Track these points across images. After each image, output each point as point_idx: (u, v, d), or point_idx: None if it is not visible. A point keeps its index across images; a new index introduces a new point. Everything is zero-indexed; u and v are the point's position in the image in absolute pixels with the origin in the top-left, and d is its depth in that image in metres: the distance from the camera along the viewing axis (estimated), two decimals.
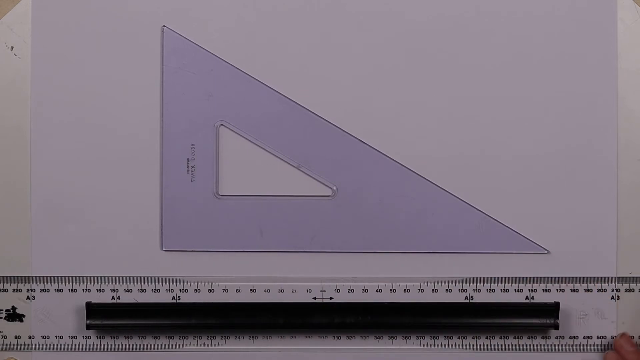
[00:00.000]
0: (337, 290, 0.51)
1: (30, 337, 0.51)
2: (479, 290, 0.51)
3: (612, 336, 0.51)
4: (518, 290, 0.51)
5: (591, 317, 0.51)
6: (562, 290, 0.51)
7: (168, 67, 0.51)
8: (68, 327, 0.51)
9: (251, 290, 0.51)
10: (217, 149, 0.51)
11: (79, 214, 0.51)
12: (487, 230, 0.51)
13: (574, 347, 0.51)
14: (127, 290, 0.51)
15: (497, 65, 0.50)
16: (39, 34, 0.51)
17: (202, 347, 0.52)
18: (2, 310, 0.51)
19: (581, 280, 0.51)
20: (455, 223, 0.51)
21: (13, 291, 0.51)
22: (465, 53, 0.50)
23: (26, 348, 0.51)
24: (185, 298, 0.51)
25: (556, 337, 0.51)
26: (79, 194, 0.51)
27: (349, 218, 0.51)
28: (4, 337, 0.51)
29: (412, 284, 0.51)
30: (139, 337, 0.51)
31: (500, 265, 0.51)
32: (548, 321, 0.50)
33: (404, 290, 0.51)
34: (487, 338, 0.51)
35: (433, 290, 0.51)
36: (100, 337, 0.51)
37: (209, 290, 0.51)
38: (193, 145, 0.51)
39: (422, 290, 0.51)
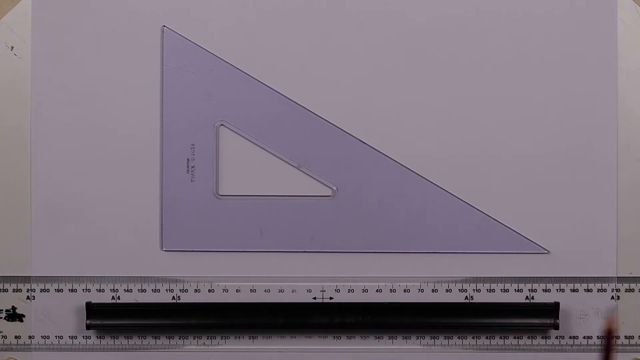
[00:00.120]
0: (337, 290, 0.51)
1: (30, 337, 0.51)
2: (479, 290, 0.51)
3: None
4: (518, 290, 0.51)
5: (591, 317, 0.51)
6: (562, 290, 0.51)
7: (168, 67, 0.51)
8: (68, 327, 0.51)
9: (251, 290, 0.51)
10: (217, 149, 0.51)
11: (79, 214, 0.51)
12: (487, 230, 0.51)
13: (574, 347, 0.51)
14: (127, 290, 0.51)
15: (497, 65, 0.50)
16: (39, 34, 0.51)
17: (202, 347, 0.52)
18: (2, 310, 0.51)
19: (581, 280, 0.51)
20: (455, 223, 0.51)
21: (13, 291, 0.51)
22: (465, 53, 0.50)
23: (26, 348, 0.51)
24: (185, 298, 0.51)
25: (556, 337, 0.51)
26: (79, 194, 0.51)
27: (349, 218, 0.51)
28: (4, 337, 0.51)
29: (412, 284, 0.51)
30: (139, 337, 0.51)
31: (500, 265, 0.51)
32: (548, 321, 0.50)
33: (404, 290, 0.51)
34: (487, 338, 0.51)
35: (433, 290, 0.51)
36: (100, 337, 0.51)
37: (209, 290, 0.51)
38: (193, 145, 0.51)
39: (422, 290, 0.51)
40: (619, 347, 0.51)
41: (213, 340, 0.52)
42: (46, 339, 0.51)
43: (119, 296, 0.51)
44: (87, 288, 0.51)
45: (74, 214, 0.51)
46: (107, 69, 0.50)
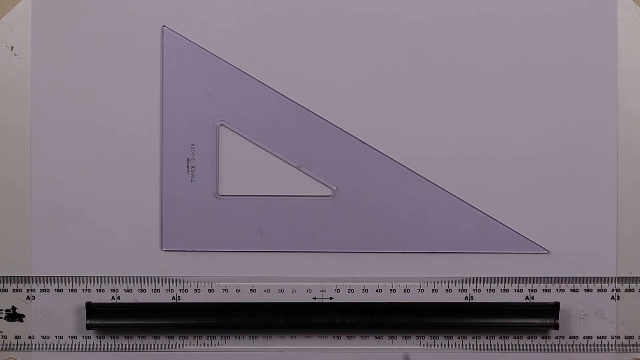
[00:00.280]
0: (337, 290, 0.51)
1: (30, 337, 0.51)
2: (479, 290, 0.51)
3: (612, 336, 0.51)
4: (518, 290, 0.51)
5: (591, 317, 0.51)
6: (562, 290, 0.51)
7: (168, 67, 0.51)
8: (68, 327, 0.51)
9: (251, 290, 0.51)
10: (217, 149, 0.51)
11: (79, 214, 0.51)
12: (487, 230, 0.51)
13: (574, 347, 0.51)
14: (127, 290, 0.51)
15: (497, 65, 0.50)
16: (39, 34, 0.51)
17: (202, 347, 0.52)
18: (2, 310, 0.51)
19: (581, 280, 0.51)
20: (455, 223, 0.51)
21: (13, 291, 0.51)
22: (465, 53, 0.50)
23: (26, 348, 0.51)
24: (185, 298, 0.51)
25: (556, 337, 0.51)
26: (79, 194, 0.51)
27: (349, 218, 0.51)
28: (4, 337, 0.51)
29: (412, 284, 0.51)
30: (139, 337, 0.51)
31: (500, 265, 0.51)
32: (548, 321, 0.50)
33: (404, 290, 0.51)
34: (487, 338, 0.51)
35: (433, 290, 0.51)
36: (100, 337, 0.51)
37: (209, 290, 0.51)
38: (193, 145, 0.51)
39: (422, 290, 0.51)
40: (619, 347, 0.51)
41: (213, 340, 0.52)
42: (46, 339, 0.51)
43: (119, 296, 0.51)
44: (87, 288, 0.51)
45: (74, 214, 0.51)
46: (107, 69, 0.50)
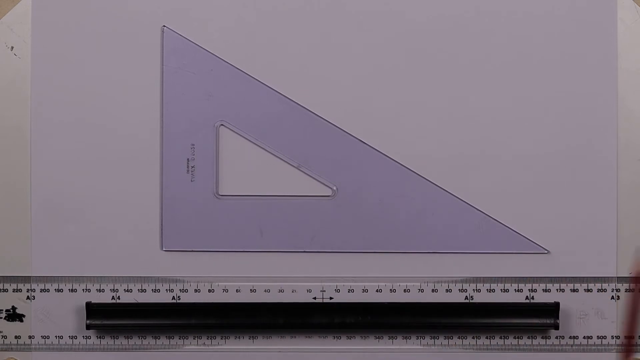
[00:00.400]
0: (337, 290, 0.51)
1: (30, 337, 0.51)
2: (479, 290, 0.51)
3: (612, 336, 0.51)
4: (518, 290, 0.51)
5: (591, 317, 0.51)
6: (562, 290, 0.51)
7: (168, 67, 0.51)
8: (68, 327, 0.51)
9: (251, 290, 0.51)
10: (217, 149, 0.51)
11: (79, 214, 0.51)
12: (487, 230, 0.51)
13: (574, 347, 0.51)
14: (127, 290, 0.51)
15: (497, 65, 0.50)
16: (39, 34, 0.51)
17: (202, 347, 0.52)
18: (2, 310, 0.51)
19: (581, 280, 0.51)
20: (455, 223, 0.51)
21: (13, 291, 0.51)
22: (465, 53, 0.50)
23: (26, 348, 0.51)
24: (185, 298, 0.51)
25: (556, 337, 0.51)
26: (79, 194, 0.51)
27: (349, 218, 0.51)
28: (4, 337, 0.51)
29: (412, 284, 0.51)
30: (139, 337, 0.51)
31: (500, 265, 0.51)
32: (548, 321, 0.50)
33: (404, 290, 0.51)
34: (487, 338, 0.51)
35: (433, 290, 0.51)
36: (100, 337, 0.51)
37: (209, 290, 0.51)
38: (193, 145, 0.51)
39: (422, 290, 0.51)
40: (619, 347, 0.51)
41: (213, 340, 0.52)
42: (46, 339, 0.51)
43: (119, 296, 0.51)
44: (87, 288, 0.51)
45: (74, 214, 0.51)
46: (107, 69, 0.50)
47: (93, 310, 0.50)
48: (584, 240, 0.51)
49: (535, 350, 0.51)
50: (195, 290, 0.51)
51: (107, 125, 0.51)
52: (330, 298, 0.51)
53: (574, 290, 0.51)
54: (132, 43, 0.51)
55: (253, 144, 0.51)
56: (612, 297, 0.51)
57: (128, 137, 0.51)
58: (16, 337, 0.51)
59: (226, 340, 0.52)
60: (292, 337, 0.51)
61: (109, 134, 0.51)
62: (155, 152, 0.51)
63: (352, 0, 0.50)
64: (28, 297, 0.51)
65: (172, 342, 0.51)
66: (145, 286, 0.51)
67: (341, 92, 0.51)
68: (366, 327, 0.50)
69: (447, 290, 0.51)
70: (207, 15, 0.51)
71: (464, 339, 0.51)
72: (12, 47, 0.51)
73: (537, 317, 0.50)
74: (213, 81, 0.51)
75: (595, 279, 0.51)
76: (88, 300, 0.51)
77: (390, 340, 0.51)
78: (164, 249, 0.51)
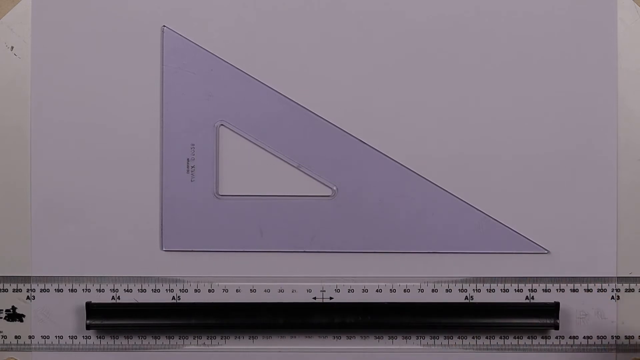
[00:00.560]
0: (337, 290, 0.51)
1: (30, 337, 0.51)
2: (479, 290, 0.51)
3: (612, 336, 0.51)
4: (518, 290, 0.51)
5: (591, 317, 0.51)
6: (562, 290, 0.51)
7: (168, 67, 0.51)
8: (68, 327, 0.51)
9: (251, 290, 0.51)
10: (217, 149, 0.51)
11: (79, 214, 0.51)
12: (487, 230, 0.51)
13: (574, 347, 0.51)
14: (127, 290, 0.51)
15: (497, 65, 0.50)
16: (39, 34, 0.51)
17: (202, 347, 0.52)
18: (2, 310, 0.51)
19: (581, 280, 0.51)
20: (455, 223, 0.51)
21: (13, 291, 0.51)
22: (465, 53, 0.50)
23: (26, 348, 0.51)
24: (185, 298, 0.51)
25: (556, 337, 0.51)
26: (79, 194, 0.51)
27: (349, 218, 0.51)
28: (4, 337, 0.51)
29: (412, 284, 0.51)
30: (139, 337, 0.51)
31: (500, 265, 0.51)
32: (548, 321, 0.50)
33: (404, 290, 0.51)
34: (487, 338, 0.51)
35: (433, 290, 0.51)
36: (100, 337, 0.51)
37: (209, 290, 0.51)
38: (193, 145, 0.51)
39: (422, 290, 0.51)
40: (619, 347, 0.51)
41: (213, 340, 0.52)
42: (46, 339, 0.51)
43: (119, 296, 0.51)
44: (87, 288, 0.51)
45: (74, 214, 0.51)
46: (107, 69, 0.50)
47: (93, 310, 0.50)
48: (584, 240, 0.51)
49: (535, 350, 0.51)
50: (195, 290, 0.51)
51: (107, 125, 0.51)
52: (330, 298, 0.51)
53: (574, 290, 0.51)
54: (132, 43, 0.51)
55: (253, 144, 0.51)
56: (612, 297, 0.51)
57: (128, 137, 0.51)
58: (16, 337, 0.51)
59: (226, 340, 0.52)
60: (292, 337, 0.51)
61: (109, 134, 0.51)
62: (155, 152, 0.51)
63: (352, 0, 0.50)
64: (28, 297, 0.51)
65: (172, 342, 0.51)
66: (145, 286, 0.51)
67: (341, 92, 0.51)
68: (366, 327, 0.50)
69: (447, 290, 0.51)
70: (207, 15, 0.51)
71: (464, 339, 0.51)
72: (12, 47, 0.51)
73: (537, 317, 0.50)
74: (213, 81, 0.51)
75: (595, 279, 0.51)
76: (88, 300, 0.51)
77: (390, 340, 0.51)
78: (164, 249, 0.51)
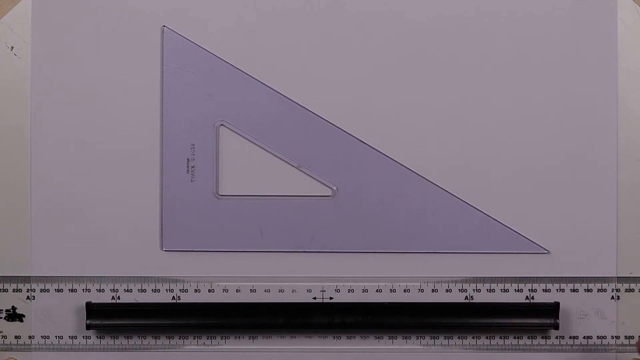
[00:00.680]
0: (337, 290, 0.51)
1: (30, 337, 0.51)
2: (479, 290, 0.51)
3: (612, 336, 0.51)
4: (518, 290, 0.51)
5: (591, 317, 0.51)
6: (562, 290, 0.51)
7: (168, 67, 0.51)
8: (68, 327, 0.51)
9: (251, 290, 0.51)
10: (217, 149, 0.51)
11: (79, 214, 0.51)
12: (487, 230, 0.51)
13: (574, 347, 0.51)
14: (127, 290, 0.51)
15: (497, 65, 0.50)
16: (39, 34, 0.51)
17: (202, 347, 0.52)
18: (2, 310, 0.51)
19: (581, 280, 0.51)
20: (455, 223, 0.51)
21: (13, 291, 0.51)
22: (465, 53, 0.50)
23: (26, 348, 0.51)
24: (185, 298, 0.51)
25: (556, 337, 0.51)
26: (79, 194, 0.51)
27: (349, 218, 0.51)
28: (4, 337, 0.51)
29: (412, 284, 0.51)
30: (139, 337, 0.51)
31: (500, 265, 0.51)
32: (548, 321, 0.50)
33: (404, 290, 0.51)
34: (487, 338, 0.51)
35: (433, 290, 0.51)
36: (100, 337, 0.51)
37: (209, 290, 0.51)
38: (193, 145, 0.51)
39: (422, 290, 0.51)
40: (619, 347, 0.51)
41: (213, 340, 0.52)
42: (46, 339, 0.51)
43: (119, 296, 0.51)
44: (87, 288, 0.51)
45: (74, 214, 0.51)
46: (107, 69, 0.50)
47: (93, 310, 0.50)
48: (584, 240, 0.51)
49: (535, 350, 0.51)
50: (195, 290, 0.51)
51: (107, 125, 0.51)
52: (330, 298, 0.51)
53: (574, 290, 0.51)
54: (132, 43, 0.51)
55: (253, 144, 0.51)
56: (612, 297, 0.51)
57: (128, 137, 0.51)
58: (16, 337, 0.51)
59: (226, 340, 0.52)
60: (292, 337, 0.51)
61: (109, 134, 0.51)
62: (155, 152, 0.51)
63: (352, 0, 0.50)
64: (28, 297, 0.51)
65: (172, 342, 0.51)
66: (145, 286, 0.51)
67: (341, 92, 0.51)
68: (366, 327, 0.50)
69: (447, 290, 0.51)
70: (207, 15, 0.51)
71: (464, 339, 0.51)
72: (12, 47, 0.51)
73: (537, 317, 0.50)
74: (213, 81, 0.51)
75: (595, 279, 0.51)
76: (88, 300, 0.51)
77: (390, 340, 0.51)
78: (164, 249, 0.51)
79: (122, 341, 0.51)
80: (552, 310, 0.50)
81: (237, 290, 0.51)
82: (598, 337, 0.51)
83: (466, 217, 0.51)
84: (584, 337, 0.51)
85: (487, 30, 0.50)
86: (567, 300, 0.51)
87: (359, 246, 0.51)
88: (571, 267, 0.51)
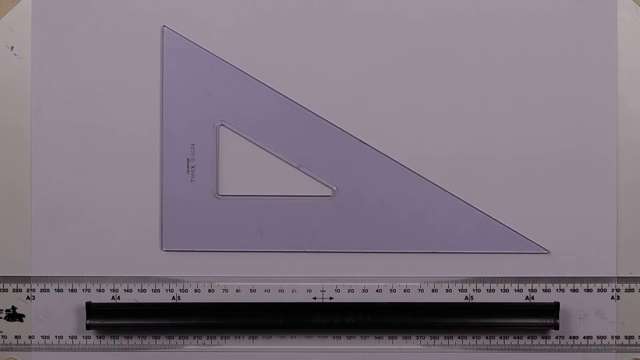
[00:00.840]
0: (337, 290, 0.51)
1: (30, 337, 0.51)
2: (479, 290, 0.51)
3: (612, 336, 0.51)
4: (518, 290, 0.51)
5: (591, 317, 0.51)
6: (562, 290, 0.51)
7: (168, 67, 0.51)
8: (68, 327, 0.51)
9: (251, 290, 0.51)
10: (217, 149, 0.51)
11: (79, 214, 0.51)
12: (487, 230, 0.51)
13: (574, 347, 0.51)
14: (127, 290, 0.51)
15: (497, 65, 0.50)
16: (39, 34, 0.51)
17: (202, 347, 0.52)
18: (2, 310, 0.51)
19: (581, 280, 0.51)
20: (455, 223, 0.51)
21: (13, 291, 0.51)
22: (465, 53, 0.50)
23: (26, 348, 0.51)
24: (185, 298, 0.51)
25: (556, 337, 0.51)
26: (79, 194, 0.51)
27: (349, 218, 0.51)
28: (4, 337, 0.51)
29: (412, 284, 0.51)
30: (139, 337, 0.51)
31: (500, 265, 0.51)
32: (548, 321, 0.50)
33: (404, 290, 0.51)
34: (487, 338, 0.51)
35: (433, 290, 0.51)
36: (100, 337, 0.51)
37: (209, 290, 0.51)
38: (193, 145, 0.51)
39: (422, 290, 0.51)
40: (619, 347, 0.51)
41: (213, 340, 0.52)
42: (46, 339, 0.51)
43: (119, 296, 0.51)
44: (87, 288, 0.51)
45: (74, 214, 0.51)
46: (107, 69, 0.50)
47: (93, 310, 0.50)
48: (584, 240, 0.51)
49: (535, 350, 0.51)
50: (195, 290, 0.51)
51: (107, 125, 0.51)
52: (330, 298, 0.51)
53: (574, 290, 0.51)
54: (132, 43, 0.51)
55: (253, 144, 0.51)
56: (612, 297, 0.51)
57: (128, 137, 0.51)
58: (16, 337, 0.51)
59: (226, 340, 0.52)
60: (292, 337, 0.51)
61: (109, 134, 0.51)
62: (155, 152, 0.51)
63: (352, 0, 0.50)
64: (28, 297, 0.51)
65: (172, 342, 0.51)
66: (145, 286, 0.51)
67: (341, 92, 0.51)
68: (366, 327, 0.50)
69: (447, 290, 0.51)
70: (207, 15, 0.51)
71: (464, 339, 0.51)
72: (12, 47, 0.51)
73: (537, 317, 0.50)
74: (213, 81, 0.51)
75: (595, 279, 0.51)
76: (88, 300, 0.51)
77: (390, 340, 0.51)
78: (164, 249, 0.51)
79: (122, 341, 0.51)
80: (552, 310, 0.50)
81: (237, 290, 0.51)
82: (598, 337, 0.51)
83: (466, 217, 0.51)
84: (584, 337, 0.51)
85: (487, 30, 0.50)
86: (567, 300, 0.51)
87: (359, 246, 0.51)
88: (571, 267, 0.51)
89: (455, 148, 0.51)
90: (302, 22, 0.51)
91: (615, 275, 0.51)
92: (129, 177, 0.51)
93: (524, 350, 0.51)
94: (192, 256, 0.51)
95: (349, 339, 0.52)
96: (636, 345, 0.51)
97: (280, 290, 0.51)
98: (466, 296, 0.51)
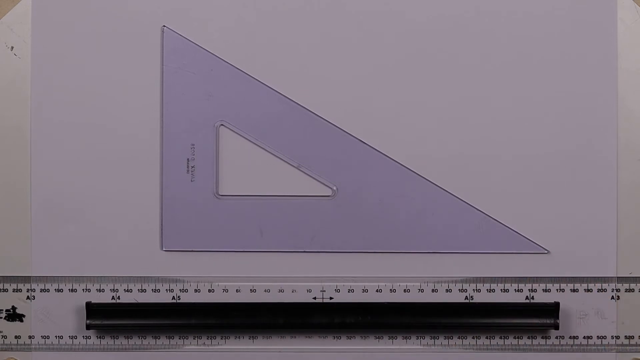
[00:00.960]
0: (337, 290, 0.51)
1: (30, 337, 0.51)
2: (479, 290, 0.51)
3: (612, 336, 0.51)
4: (518, 290, 0.51)
5: (591, 317, 0.51)
6: (562, 290, 0.51)
7: (168, 67, 0.51)
8: (68, 327, 0.51)
9: (251, 290, 0.51)
10: (217, 149, 0.51)
11: (79, 214, 0.51)
12: (487, 230, 0.51)
13: (574, 347, 0.51)
14: (127, 290, 0.51)
15: (497, 65, 0.50)
16: (39, 34, 0.51)
17: (202, 347, 0.52)
18: (2, 310, 0.51)
19: (581, 280, 0.51)
20: (455, 223, 0.51)
21: (13, 291, 0.51)
22: (465, 53, 0.50)
23: (26, 348, 0.51)
24: (185, 298, 0.51)
25: (556, 337, 0.51)
26: (79, 194, 0.51)
27: (349, 218, 0.51)
28: (4, 337, 0.51)
29: (412, 284, 0.51)
30: (139, 337, 0.51)
31: (500, 265, 0.51)
32: (548, 321, 0.50)
33: (404, 290, 0.51)
34: (487, 338, 0.51)
35: (433, 290, 0.51)
36: (100, 337, 0.51)
37: (209, 290, 0.51)
38: (193, 145, 0.51)
39: (422, 290, 0.51)
40: (619, 347, 0.51)
41: (213, 340, 0.52)
42: (46, 339, 0.51)
43: (119, 296, 0.51)
44: (87, 288, 0.51)
45: (74, 214, 0.51)
46: (107, 69, 0.50)
47: (93, 310, 0.50)
48: (584, 240, 0.51)
49: (535, 350, 0.51)
50: (195, 290, 0.51)
51: (107, 125, 0.51)
52: (330, 298, 0.51)
53: (574, 290, 0.51)
54: (132, 43, 0.51)
55: (253, 144, 0.51)
56: (612, 297, 0.51)
57: (128, 137, 0.51)
58: (16, 337, 0.51)
59: (226, 340, 0.52)
60: (292, 337, 0.51)
61: (109, 134, 0.51)
62: (155, 152, 0.51)
63: (352, 0, 0.50)
64: (28, 297, 0.51)
65: (172, 342, 0.51)
66: (145, 286, 0.51)
67: (341, 92, 0.51)
68: (366, 327, 0.50)
69: (447, 290, 0.51)
70: (207, 15, 0.51)
71: (464, 339, 0.51)
72: (12, 47, 0.51)
73: (537, 317, 0.50)
74: (213, 81, 0.51)
75: (595, 279, 0.51)
76: (88, 300, 0.51)
77: (390, 340, 0.51)
78: (164, 249, 0.51)
79: (122, 341, 0.51)
80: (552, 310, 0.50)
81: (237, 290, 0.51)
82: (598, 337, 0.51)
83: (466, 217, 0.51)
84: (584, 337, 0.51)
85: (487, 30, 0.50)
86: (567, 300, 0.51)
87: (359, 246, 0.51)
88: (571, 267, 0.51)
89: (455, 148, 0.51)
90: (302, 22, 0.51)
91: (615, 275, 0.51)
92: (129, 177, 0.51)
93: (524, 350, 0.51)
94: (192, 256, 0.51)
95: (349, 339, 0.52)
96: (636, 345, 0.51)
97: (280, 290, 0.51)
98: (466, 296, 0.51)
